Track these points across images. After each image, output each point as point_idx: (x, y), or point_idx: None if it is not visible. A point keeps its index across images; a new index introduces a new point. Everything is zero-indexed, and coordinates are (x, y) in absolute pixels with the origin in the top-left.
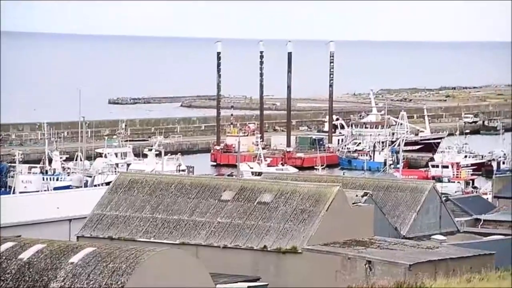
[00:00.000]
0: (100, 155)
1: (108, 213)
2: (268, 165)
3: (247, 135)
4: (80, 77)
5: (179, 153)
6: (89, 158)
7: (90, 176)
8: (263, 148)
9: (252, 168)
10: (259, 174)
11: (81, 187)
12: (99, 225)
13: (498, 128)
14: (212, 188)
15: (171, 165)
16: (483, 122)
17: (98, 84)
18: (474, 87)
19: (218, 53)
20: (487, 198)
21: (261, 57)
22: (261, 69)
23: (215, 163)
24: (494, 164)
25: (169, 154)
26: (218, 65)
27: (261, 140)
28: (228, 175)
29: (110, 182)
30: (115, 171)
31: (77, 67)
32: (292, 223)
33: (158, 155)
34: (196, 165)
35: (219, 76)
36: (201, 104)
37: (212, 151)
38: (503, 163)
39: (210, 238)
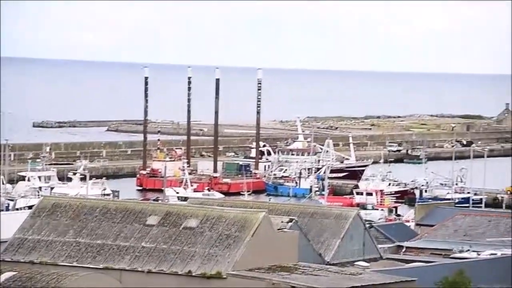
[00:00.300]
0: (23, 178)
1: (30, 237)
2: (195, 190)
3: (174, 160)
4: (3, 100)
5: (105, 177)
6: (11, 181)
7: (12, 200)
8: (189, 173)
9: (178, 193)
10: (185, 199)
11: (2, 210)
12: (20, 249)
13: (421, 157)
14: (137, 213)
15: (96, 189)
16: (407, 151)
17: (23, 107)
18: (399, 116)
19: (146, 78)
20: (410, 226)
21: (189, 82)
22: (189, 94)
23: (141, 188)
24: (417, 192)
25: (94, 178)
26: (146, 89)
27: (188, 165)
28: (154, 200)
29: (33, 205)
30: (38, 195)
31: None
32: (218, 249)
33: (83, 179)
34: (121, 190)
35: (146, 101)
36: (128, 129)
37: (138, 175)
38: (425, 191)
39: (134, 263)
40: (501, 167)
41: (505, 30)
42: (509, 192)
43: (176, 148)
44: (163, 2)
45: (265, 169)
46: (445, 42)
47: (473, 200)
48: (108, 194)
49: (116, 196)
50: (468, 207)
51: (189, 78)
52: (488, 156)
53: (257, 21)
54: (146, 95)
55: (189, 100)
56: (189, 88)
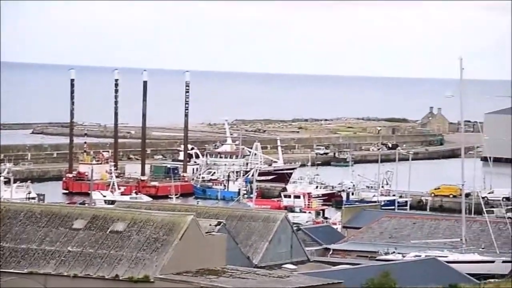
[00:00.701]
0: None
1: None
2: (122, 194)
3: (101, 163)
4: None
5: (30, 181)
6: None
7: None
8: (117, 177)
9: (105, 196)
10: (112, 202)
11: None
12: None
13: (348, 159)
14: (63, 217)
15: (20, 193)
16: (334, 153)
17: None
18: (326, 120)
19: (72, 80)
20: (337, 228)
21: (116, 85)
22: (116, 97)
23: (67, 191)
24: (344, 195)
25: (19, 182)
26: (72, 92)
27: (115, 168)
28: (80, 204)
29: None
30: None
31: None
32: (145, 252)
33: (7, 182)
34: (47, 193)
35: (73, 103)
36: (54, 131)
37: (64, 178)
38: (352, 194)
39: (60, 267)
40: (426, 169)
41: (435, 34)
42: (433, 195)
43: (103, 151)
44: (74, 2)
45: (193, 172)
46: (371, 46)
47: (398, 202)
48: (33, 198)
49: (42, 199)
50: (393, 209)
51: (116, 80)
52: (413, 159)
53: (184, 22)
54: (72, 97)
55: (116, 102)
56: (116, 91)
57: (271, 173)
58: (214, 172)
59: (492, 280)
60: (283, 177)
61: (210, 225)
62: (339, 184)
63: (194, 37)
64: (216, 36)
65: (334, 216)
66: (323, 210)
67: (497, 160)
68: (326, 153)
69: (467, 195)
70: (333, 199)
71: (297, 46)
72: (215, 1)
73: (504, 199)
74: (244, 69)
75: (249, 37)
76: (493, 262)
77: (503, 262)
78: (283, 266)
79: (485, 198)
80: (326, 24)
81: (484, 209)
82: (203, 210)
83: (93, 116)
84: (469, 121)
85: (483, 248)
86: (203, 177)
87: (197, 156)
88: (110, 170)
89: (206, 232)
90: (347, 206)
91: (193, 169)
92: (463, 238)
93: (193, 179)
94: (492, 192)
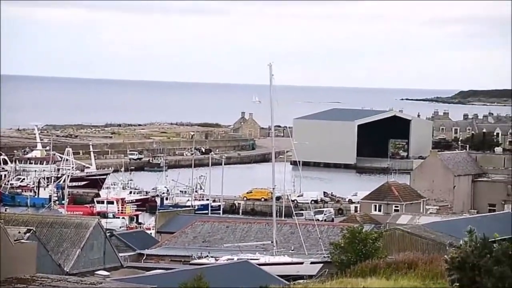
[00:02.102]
0: None
1: None
2: None
3: None
4: None
5: None
6: None
7: None
8: None
9: None
10: None
11: None
12: None
13: (162, 165)
14: None
15: None
16: (149, 159)
17: None
18: (139, 125)
19: None
20: (151, 233)
21: None
22: None
23: None
24: (158, 200)
25: None
26: None
27: None
28: None
29: None
30: None
31: None
32: None
33: None
34: None
35: None
36: None
37: None
38: (166, 198)
39: None
40: (238, 174)
41: (247, 40)
42: (245, 199)
43: None
44: None
45: (1, 179)
46: (182, 51)
47: (211, 206)
48: None
49: None
50: (207, 213)
51: None
52: (225, 164)
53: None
54: None
55: None
56: None
57: (84, 178)
58: (24, 179)
59: (301, 281)
60: (96, 182)
61: (19, 232)
62: (153, 189)
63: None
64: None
65: (148, 221)
66: (137, 216)
67: (306, 164)
68: (140, 159)
69: (278, 198)
70: (147, 204)
71: (103, 50)
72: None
73: (313, 202)
74: (51, 73)
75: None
76: (302, 263)
77: (312, 263)
78: (96, 272)
79: (295, 201)
80: (140, 28)
81: (294, 212)
82: (12, 217)
83: None
84: (279, 126)
85: (292, 250)
86: (11, 184)
87: (5, 162)
88: None
89: (15, 240)
90: (161, 211)
91: (1, 175)
92: (274, 241)
93: (1, 186)
94: (302, 195)
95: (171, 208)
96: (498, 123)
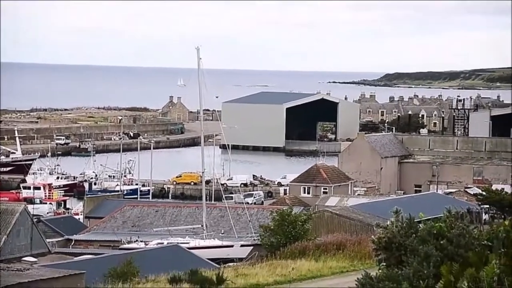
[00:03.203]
0: None
1: None
2: None
3: None
4: None
5: None
6: None
7: None
8: None
9: None
10: None
11: None
12: None
13: (89, 149)
14: None
15: None
16: (77, 144)
17: None
18: (66, 109)
19: None
20: (79, 218)
21: None
22: None
23: None
24: (86, 185)
25: None
26: None
27: None
28: None
29: None
30: None
31: None
32: None
33: None
34: None
35: None
36: None
37: None
38: (95, 183)
39: None
40: (167, 158)
41: (175, 24)
42: (175, 183)
43: None
44: None
45: None
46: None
47: (141, 191)
48: None
49: None
50: (136, 198)
51: None
52: (154, 148)
53: None
54: None
55: None
56: None
57: (9, 164)
58: None
59: (231, 263)
60: (22, 168)
61: None
62: (81, 174)
63: None
64: None
65: (76, 207)
66: (65, 201)
67: (235, 147)
68: (67, 143)
69: (207, 182)
70: (75, 189)
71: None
72: None
73: (242, 185)
74: None
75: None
76: (232, 246)
77: (242, 246)
78: (23, 259)
79: (224, 185)
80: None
81: (224, 196)
82: None
83: None
84: (208, 110)
85: (222, 233)
86: None
87: None
88: None
89: None
90: (89, 196)
91: None
92: (204, 224)
93: None
94: (231, 179)
95: (99, 193)
96: (423, 105)
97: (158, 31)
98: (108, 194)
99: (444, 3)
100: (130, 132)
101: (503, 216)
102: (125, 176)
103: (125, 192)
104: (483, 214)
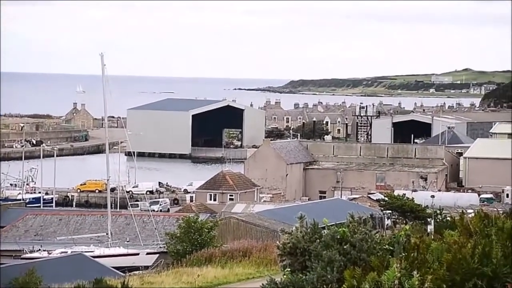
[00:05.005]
0: None
1: None
2: None
3: None
4: None
5: None
6: None
7: None
8: None
9: None
10: None
11: None
12: None
13: None
14: None
15: None
16: None
17: None
18: None
19: None
20: None
21: None
22: None
23: None
24: None
25: None
26: None
27: None
28: None
29: None
30: None
31: None
32: None
33: None
34: None
35: None
36: None
37: None
38: None
39: None
40: (71, 165)
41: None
42: (79, 190)
43: None
44: None
45: None
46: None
47: (44, 199)
48: None
49: None
50: (39, 207)
51: None
52: (58, 155)
53: None
54: None
55: None
56: None
57: None
58: None
59: (137, 272)
60: None
61: None
62: None
63: None
64: None
65: None
66: None
67: (140, 154)
68: None
69: (113, 189)
70: None
71: None
72: None
73: (148, 193)
74: None
75: None
76: (138, 254)
77: (148, 254)
78: None
79: (130, 192)
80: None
81: (129, 203)
82: None
83: None
84: (113, 117)
85: (128, 241)
86: None
87: None
88: None
89: None
90: None
91: None
92: (109, 232)
93: None
94: (137, 186)
95: (1, 202)
96: (327, 112)
97: (62, 36)
98: (10, 202)
99: (344, 8)
100: (32, 140)
101: (404, 221)
102: (27, 184)
103: (28, 200)
104: (386, 219)
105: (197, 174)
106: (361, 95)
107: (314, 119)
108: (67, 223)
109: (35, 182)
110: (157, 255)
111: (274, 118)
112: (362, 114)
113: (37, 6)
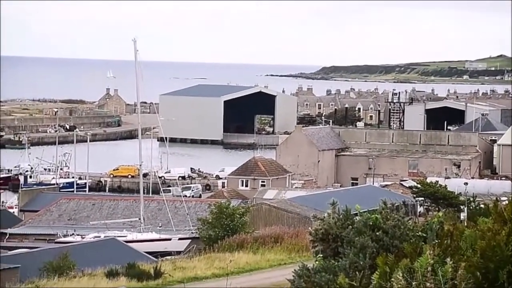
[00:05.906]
0: None
1: None
2: None
3: None
4: None
5: None
6: None
7: None
8: None
9: None
10: None
11: None
12: None
13: (24, 142)
14: None
15: None
16: (11, 136)
17: None
18: None
19: None
20: (14, 212)
21: None
22: None
23: None
24: (21, 178)
25: None
26: None
27: None
28: None
29: None
30: None
31: None
32: None
33: None
34: None
35: None
36: None
37: None
38: (30, 177)
39: None
40: (104, 151)
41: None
42: (112, 176)
43: None
44: None
45: None
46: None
47: (77, 184)
48: None
49: None
50: (73, 191)
51: None
52: (91, 141)
53: None
54: None
55: None
56: None
57: None
58: None
59: (169, 257)
60: None
61: None
62: (15, 167)
63: None
64: None
65: (11, 200)
66: None
67: (172, 140)
68: (1, 136)
69: (145, 175)
70: (10, 182)
71: None
72: None
73: (180, 178)
74: None
75: None
76: (170, 239)
77: (179, 239)
78: None
79: (162, 178)
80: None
81: (161, 189)
82: None
83: None
84: (145, 102)
85: (160, 227)
86: None
87: None
88: None
89: None
90: (24, 189)
91: None
92: (141, 217)
93: None
94: (169, 172)
95: (35, 186)
96: (360, 98)
97: (94, 20)
98: (43, 187)
99: None
100: (66, 125)
101: (437, 208)
102: (61, 169)
103: (61, 185)
104: (418, 206)
105: (228, 160)
106: (394, 82)
107: (346, 105)
108: (100, 208)
109: (68, 167)
110: (189, 240)
111: (306, 104)
112: (394, 101)
113: None
